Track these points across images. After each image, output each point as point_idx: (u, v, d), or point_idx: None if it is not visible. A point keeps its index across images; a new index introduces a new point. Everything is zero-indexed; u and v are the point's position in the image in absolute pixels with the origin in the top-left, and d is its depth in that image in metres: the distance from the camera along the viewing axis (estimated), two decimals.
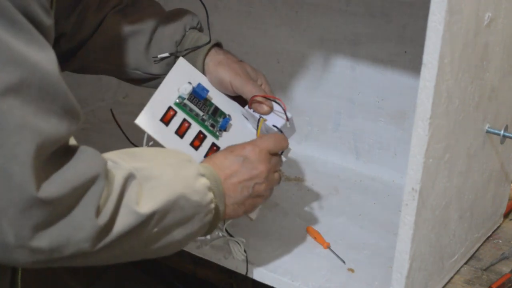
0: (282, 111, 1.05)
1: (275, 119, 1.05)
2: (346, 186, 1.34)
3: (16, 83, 0.69)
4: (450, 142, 0.90)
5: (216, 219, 0.91)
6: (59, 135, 0.73)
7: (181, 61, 1.08)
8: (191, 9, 1.13)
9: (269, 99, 1.05)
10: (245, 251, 1.07)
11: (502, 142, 1.04)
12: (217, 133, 1.07)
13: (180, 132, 1.04)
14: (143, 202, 0.80)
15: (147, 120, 1.02)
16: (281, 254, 1.11)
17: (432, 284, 1.00)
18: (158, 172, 0.84)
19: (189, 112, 1.06)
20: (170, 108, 1.04)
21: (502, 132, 1.01)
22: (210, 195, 0.89)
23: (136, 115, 1.01)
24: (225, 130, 1.08)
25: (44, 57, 0.72)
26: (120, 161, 0.81)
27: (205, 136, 1.06)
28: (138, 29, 1.10)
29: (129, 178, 0.80)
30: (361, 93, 1.35)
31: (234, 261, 1.09)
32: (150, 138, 1.02)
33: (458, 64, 0.85)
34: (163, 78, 1.10)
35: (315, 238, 1.14)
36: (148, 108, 1.03)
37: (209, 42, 1.09)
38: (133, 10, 1.13)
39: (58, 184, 0.72)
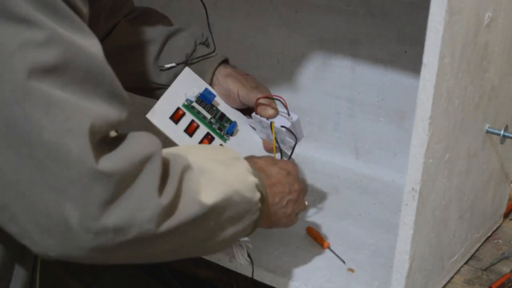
0: (286, 112, 1.06)
1: (282, 121, 1.07)
2: (346, 186, 1.34)
3: (60, 63, 0.68)
4: (450, 142, 0.90)
5: (259, 220, 0.91)
6: (109, 118, 0.71)
7: (187, 70, 1.09)
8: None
9: (273, 101, 1.06)
10: (249, 255, 1.06)
11: (502, 142, 1.04)
12: (225, 136, 1.09)
13: (189, 131, 1.06)
14: (204, 192, 0.80)
15: (157, 116, 1.04)
16: (281, 254, 1.11)
17: (432, 284, 1.00)
18: (210, 166, 0.84)
19: (197, 114, 1.07)
20: (178, 108, 1.06)
21: (502, 132, 1.01)
22: (258, 194, 0.89)
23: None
24: (231, 135, 1.09)
25: (88, 42, 0.71)
26: (174, 152, 0.81)
27: (213, 138, 1.07)
28: (150, 39, 1.11)
29: (187, 167, 0.79)
30: (361, 93, 1.34)
31: (238, 264, 1.08)
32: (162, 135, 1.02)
33: (458, 64, 0.85)
34: None
35: (315, 238, 1.14)
36: (158, 105, 1.05)
37: (214, 50, 1.11)
38: (144, 20, 1.14)
39: (116, 159, 0.70)
